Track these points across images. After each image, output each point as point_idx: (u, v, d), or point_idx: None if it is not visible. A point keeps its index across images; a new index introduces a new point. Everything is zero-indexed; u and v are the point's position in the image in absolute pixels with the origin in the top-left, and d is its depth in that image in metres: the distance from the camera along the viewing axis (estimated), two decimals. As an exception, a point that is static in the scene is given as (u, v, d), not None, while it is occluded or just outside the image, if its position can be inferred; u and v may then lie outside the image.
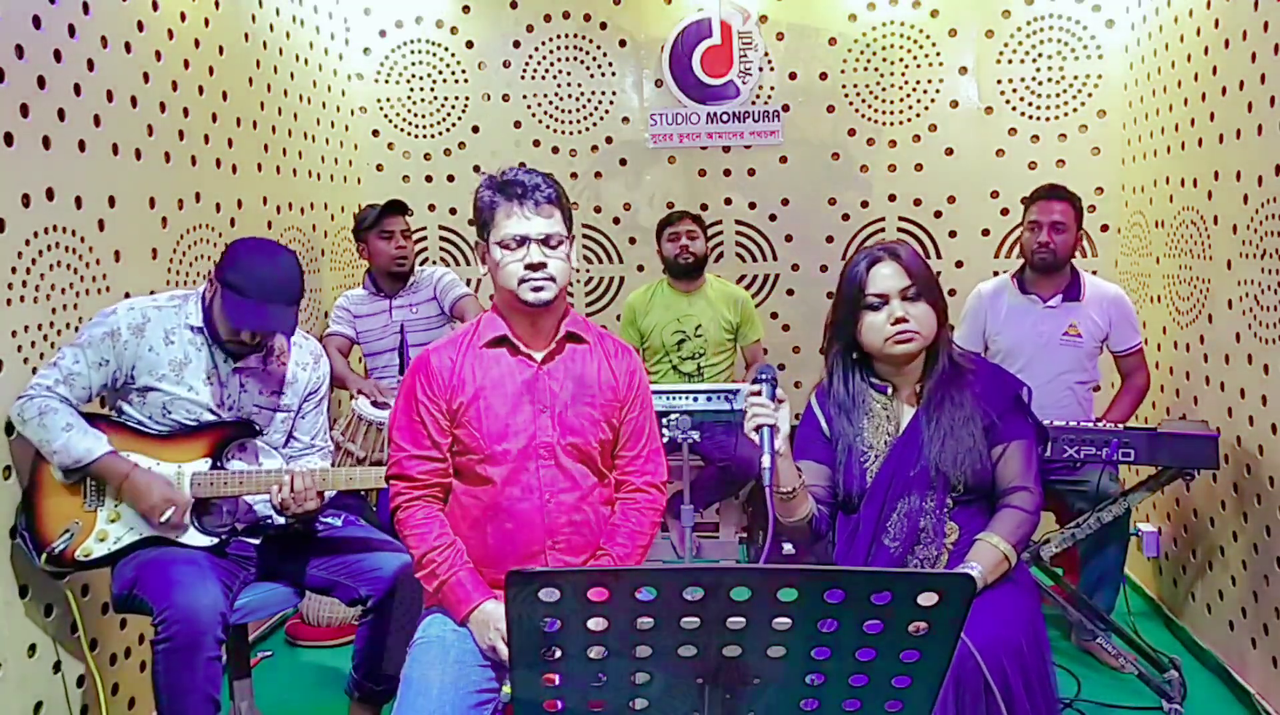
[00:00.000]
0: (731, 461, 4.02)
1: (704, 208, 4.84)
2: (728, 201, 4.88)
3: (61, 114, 2.79)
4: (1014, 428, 2.23)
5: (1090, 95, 4.57)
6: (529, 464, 2.22)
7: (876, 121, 4.76)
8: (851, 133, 4.78)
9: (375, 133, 4.95)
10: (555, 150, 4.88)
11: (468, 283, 4.22)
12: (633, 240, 4.95)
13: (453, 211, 4.94)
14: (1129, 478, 3.91)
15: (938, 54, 4.65)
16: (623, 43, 4.78)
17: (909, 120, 4.74)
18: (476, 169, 4.79)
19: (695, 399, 3.40)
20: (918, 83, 4.67)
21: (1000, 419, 2.20)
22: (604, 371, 2.30)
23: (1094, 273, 4.09)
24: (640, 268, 4.94)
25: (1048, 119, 4.64)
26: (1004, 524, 2.16)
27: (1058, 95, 4.58)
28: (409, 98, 4.88)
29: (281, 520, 2.67)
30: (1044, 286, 3.60)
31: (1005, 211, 4.71)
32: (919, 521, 2.20)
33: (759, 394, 2.03)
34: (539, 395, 2.24)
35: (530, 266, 2.16)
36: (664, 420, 3.20)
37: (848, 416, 2.26)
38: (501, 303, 2.26)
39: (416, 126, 4.94)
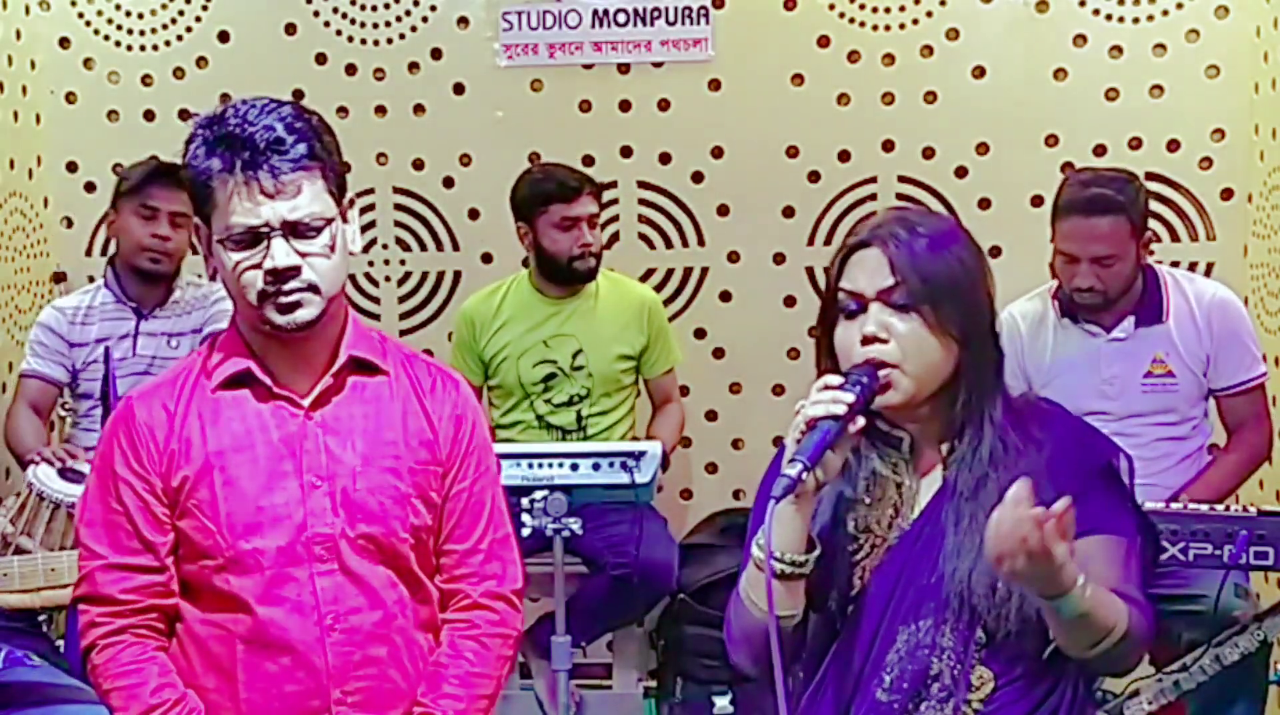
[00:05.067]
0: (633, 567, 3.52)
1: (588, 162, 4.16)
2: (625, 152, 4.31)
3: None
4: (1099, 515, 1.85)
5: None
6: (297, 571, 1.97)
7: (864, 24, 4.19)
8: (824, 42, 4.19)
9: (64, 42, 4.29)
10: (350, 70, 4.27)
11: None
12: (474, 214, 4.33)
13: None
14: (1267, 592, 3.63)
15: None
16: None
17: (915, 22, 4.17)
18: (225, 101, 4.37)
19: (575, 467, 3.14)
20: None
21: (1077, 502, 1.79)
22: (413, 416, 2.06)
23: (1208, 266, 3.91)
24: (487, 258, 4.31)
25: (1136, 20, 4.06)
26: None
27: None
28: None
29: None
30: (1103, 312, 3.37)
31: (1069, 168, 4.05)
32: (928, 663, 1.86)
33: (840, 389, 1.80)
34: (309, 461, 2.00)
35: (273, 274, 1.90)
36: (524, 501, 3.03)
37: (843, 475, 2.00)
38: (243, 323, 2.05)
39: (130, 32, 4.32)
